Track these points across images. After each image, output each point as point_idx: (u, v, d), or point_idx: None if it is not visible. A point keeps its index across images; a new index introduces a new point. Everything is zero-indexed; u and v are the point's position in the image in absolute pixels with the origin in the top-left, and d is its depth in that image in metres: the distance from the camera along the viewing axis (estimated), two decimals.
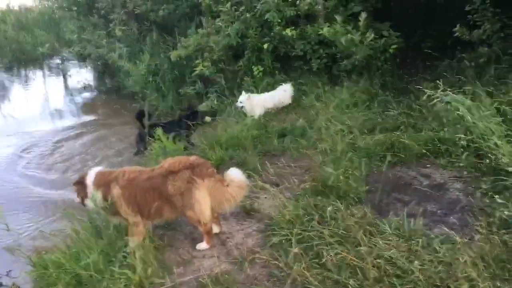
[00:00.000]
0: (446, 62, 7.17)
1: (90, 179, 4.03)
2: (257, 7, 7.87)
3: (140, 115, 7.33)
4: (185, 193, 3.74)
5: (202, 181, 3.74)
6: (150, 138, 6.14)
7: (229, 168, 5.17)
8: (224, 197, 3.83)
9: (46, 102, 12.09)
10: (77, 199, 4.14)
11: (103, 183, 3.96)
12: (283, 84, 7.53)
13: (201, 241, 3.97)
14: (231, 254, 3.84)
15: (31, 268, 3.92)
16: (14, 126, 9.81)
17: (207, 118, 7.13)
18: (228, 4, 8.15)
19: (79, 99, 12.22)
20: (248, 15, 8.09)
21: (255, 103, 7.12)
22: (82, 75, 14.21)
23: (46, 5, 19.82)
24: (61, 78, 14.97)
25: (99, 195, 3.94)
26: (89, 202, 4.02)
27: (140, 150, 7.23)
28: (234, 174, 3.96)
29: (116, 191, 3.87)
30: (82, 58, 13.56)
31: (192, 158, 3.96)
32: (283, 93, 7.37)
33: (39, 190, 6.68)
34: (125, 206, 3.85)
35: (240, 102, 7.05)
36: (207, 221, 3.85)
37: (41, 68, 16.10)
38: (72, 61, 15.50)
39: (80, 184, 4.10)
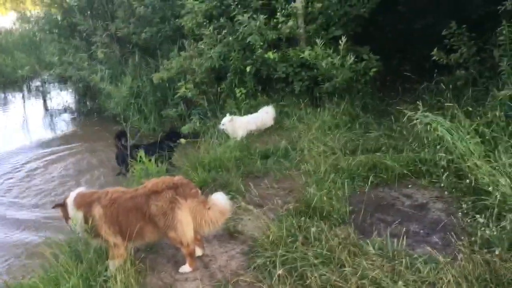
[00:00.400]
0: (424, 84, 7.31)
1: (70, 200, 3.96)
2: (239, 30, 7.95)
3: (119, 136, 7.29)
4: (167, 213, 3.68)
5: (185, 201, 3.70)
6: (132, 159, 6.08)
7: (212, 190, 5.22)
8: (204, 219, 3.78)
9: (25, 125, 11.93)
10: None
11: (84, 203, 3.89)
12: (265, 106, 7.57)
13: (184, 263, 3.90)
14: (214, 277, 3.79)
15: None
16: None
17: (182, 140, 7.10)
18: (211, 28, 8.22)
19: (59, 121, 12.09)
20: (230, 38, 8.16)
21: (237, 125, 7.14)
22: (62, 98, 14.06)
23: (27, 28, 19.75)
24: (41, 100, 14.81)
25: (79, 216, 3.87)
26: (72, 223, 3.94)
27: (122, 171, 7.18)
28: (218, 198, 3.93)
29: (97, 210, 3.79)
30: (63, 81, 13.46)
31: (176, 178, 3.92)
32: (266, 115, 7.42)
33: (15, 213, 6.53)
34: (106, 226, 3.77)
35: (223, 124, 7.06)
36: (190, 243, 3.79)
37: (21, 90, 15.91)
38: (52, 84, 15.36)
39: (61, 206, 4.04)
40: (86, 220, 3.83)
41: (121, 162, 7.30)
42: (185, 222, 3.70)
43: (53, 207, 4.20)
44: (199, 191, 3.93)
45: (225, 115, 7.21)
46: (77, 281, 3.55)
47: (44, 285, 3.60)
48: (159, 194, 3.73)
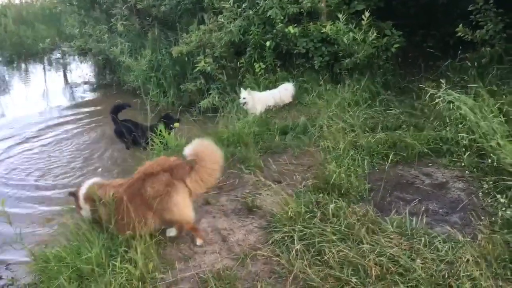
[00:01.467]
0: (448, 61, 7.17)
1: (82, 192, 4.06)
2: (260, 4, 7.86)
3: (116, 110, 7.47)
4: (164, 196, 3.70)
5: (182, 183, 3.74)
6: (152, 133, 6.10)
7: (230, 165, 5.27)
8: (202, 184, 3.86)
9: (45, 97, 12.05)
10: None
11: (90, 199, 3.96)
12: (285, 83, 7.53)
13: (204, 238, 3.98)
14: (232, 250, 3.84)
15: (31, 261, 3.91)
16: (11, 121, 9.74)
17: (176, 124, 7.05)
18: (231, 1, 8.12)
19: (79, 94, 12.17)
20: (250, 12, 8.07)
21: (256, 99, 7.12)
22: (82, 70, 14.15)
23: (47, 0, 19.80)
24: (62, 72, 14.93)
25: (87, 208, 4.01)
26: (83, 213, 4.09)
27: (127, 143, 7.29)
28: (199, 148, 3.95)
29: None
30: (83, 53, 13.49)
31: (172, 159, 3.92)
32: (284, 91, 7.37)
33: (41, 184, 6.66)
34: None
35: (244, 98, 7.05)
36: (189, 221, 3.87)
37: (42, 62, 16.04)
38: (72, 56, 15.45)
39: (74, 195, 4.15)
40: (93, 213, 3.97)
41: (120, 137, 7.45)
42: (183, 204, 3.75)
43: (69, 194, 4.31)
44: (194, 164, 3.89)
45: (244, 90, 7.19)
46: (99, 251, 3.63)
47: (67, 254, 3.68)
48: (154, 177, 3.74)
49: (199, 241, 3.95)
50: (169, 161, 3.88)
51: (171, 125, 6.94)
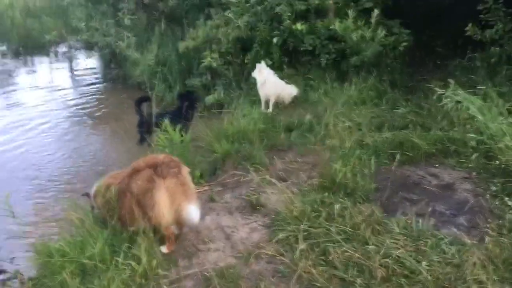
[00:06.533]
0: (456, 61, 7.13)
1: (92, 192, 4.10)
2: (268, 0, 7.80)
3: (139, 102, 7.27)
4: (146, 193, 3.58)
5: (162, 181, 3.56)
6: (156, 127, 6.06)
7: (235, 162, 5.24)
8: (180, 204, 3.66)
9: (50, 89, 12.03)
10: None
11: (98, 194, 3.99)
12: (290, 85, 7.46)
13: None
14: (236, 248, 3.81)
15: (34, 255, 3.91)
16: (15, 114, 9.74)
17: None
18: None
19: (84, 87, 12.15)
20: (258, 7, 8.02)
21: (270, 80, 7.13)
22: (88, 63, 14.15)
23: None
24: (68, 65, 14.92)
25: (97, 206, 4.06)
26: (96, 212, 4.13)
27: (143, 137, 7.11)
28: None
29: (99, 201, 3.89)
30: (89, 46, 13.48)
31: (161, 156, 3.80)
32: (289, 90, 7.28)
33: (45, 178, 6.66)
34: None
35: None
36: (168, 225, 3.69)
37: (48, 55, 16.03)
38: (78, 49, 15.44)
39: (87, 195, 4.21)
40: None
41: (141, 128, 7.16)
42: (162, 204, 3.56)
43: (82, 195, 4.37)
44: (183, 171, 3.76)
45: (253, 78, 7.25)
46: (102, 247, 3.61)
47: (70, 249, 3.66)
48: (139, 173, 3.65)
49: (164, 249, 3.77)
50: (156, 158, 3.75)
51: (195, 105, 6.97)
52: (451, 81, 5.28)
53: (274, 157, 5.25)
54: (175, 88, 9.51)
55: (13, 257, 4.64)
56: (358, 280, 3.13)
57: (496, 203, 3.95)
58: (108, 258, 3.54)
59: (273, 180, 4.50)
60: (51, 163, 7.16)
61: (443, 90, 5.21)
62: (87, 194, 4.23)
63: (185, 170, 3.81)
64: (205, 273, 3.47)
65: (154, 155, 3.96)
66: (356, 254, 3.33)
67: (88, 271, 3.52)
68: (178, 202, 3.62)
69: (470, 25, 6.66)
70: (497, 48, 6.57)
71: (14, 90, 12.01)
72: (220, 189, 4.86)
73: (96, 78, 12.96)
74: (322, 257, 3.43)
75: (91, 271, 3.51)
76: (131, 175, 3.70)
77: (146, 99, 7.47)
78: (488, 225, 3.57)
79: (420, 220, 3.70)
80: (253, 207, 4.38)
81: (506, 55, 6.48)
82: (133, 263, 3.45)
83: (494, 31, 6.48)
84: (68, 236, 3.94)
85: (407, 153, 5.01)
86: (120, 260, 3.49)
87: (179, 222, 3.83)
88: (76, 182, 6.29)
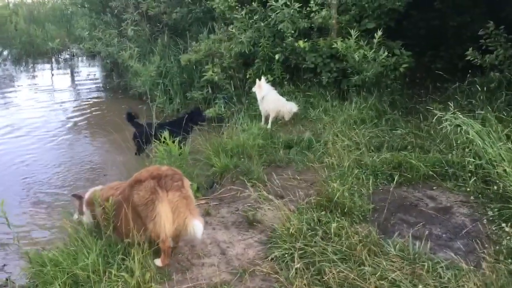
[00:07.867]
0: (456, 84, 7.15)
1: (85, 198, 4.08)
2: (271, 16, 7.86)
3: (129, 117, 7.29)
4: (148, 204, 3.54)
5: (166, 194, 3.54)
6: (155, 140, 6.03)
7: (233, 176, 5.23)
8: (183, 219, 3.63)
9: (51, 97, 12.05)
10: (75, 216, 4.27)
11: (90, 203, 3.96)
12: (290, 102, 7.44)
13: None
14: (231, 264, 3.78)
15: (27, 264, 3.86)
16: (14, 121, 9.72)
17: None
18: (243, 12, 8.13)
19: (85, 96, 12.18)
20: (262, 24, 8.08)
21: (268, 97, 7.17)
22: (90, 72, 14.20)
23: (59, 0, 19.93)
24: (69, 73, 14.98)
25: (89, 213, 4.04)
26: (84, 219, 4.11)
27: (141, 149, 7.08)
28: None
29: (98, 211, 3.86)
30: (92, 56, 13.56)
31: (164, 168, 3.78)
32: (288, 107, 7.28)
33: (41, 187, 6.62)
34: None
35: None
36: (167, 238, 3.62)
37: (50, 62, 16.11)
38: (81, 58, 15.52)
39: (79, 198, 4.17)
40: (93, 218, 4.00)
41: (137, 140, 7.12)
42: (164, 216, 3.52)
43: (73, 196, 4.34)
44: (186, 184, 3.75)
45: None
46: (96, 257, 3.58)
47: (64, 258, 3.62)
48: (141, 183, 3.61)
49: (158, 262, 3.73)
50: (160, 169, 3.73)
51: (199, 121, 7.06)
52: (451, 104, 5.30)
53: (272, 173, 5.24)
54: (175, 100, 9.54)
55: (4, 265, 4.61)
56: None
57: (493, 228, 3.93)
58: (101, 269, 3.51)
59: (270, 197, 4.48)
60: (47, 171, 7.14)
61: (443, 113, 5.22)
62: (78, 197, 4.17)
63: (187, 183, 3.81)
64: None
65: (158, 166, 3.95)
66: (352, 275, 3.30)
67: (80, 282, 3.48)
68: (183, 216, 3.60)
69: (470, 49, 6.71)
70: (497, 73, 6.60)
71: (16, 97, 12.04)
72: (216, 203, 4.84)
73: (97, 87, 13.00)
74: (318, 277, 3.40)
75: (83, 282, 3.47)
76: (133, 185, 3.68)
77: (133, 114, 7.40)
78: (485, 251, 3.54)
79: (417, 243, 3.68)
80: (250, 223, 4.36)
81: (506, 80, 6.51)
82: (126, 275, 3.41)
83: (494, 57, 6.52)
84: (62, 245, 3.91)
85: (405, 174, 5.00)
86: (113, 271, 3.46)
87: (180, 236, 3.81)
88: (71, 191, 6.25)
